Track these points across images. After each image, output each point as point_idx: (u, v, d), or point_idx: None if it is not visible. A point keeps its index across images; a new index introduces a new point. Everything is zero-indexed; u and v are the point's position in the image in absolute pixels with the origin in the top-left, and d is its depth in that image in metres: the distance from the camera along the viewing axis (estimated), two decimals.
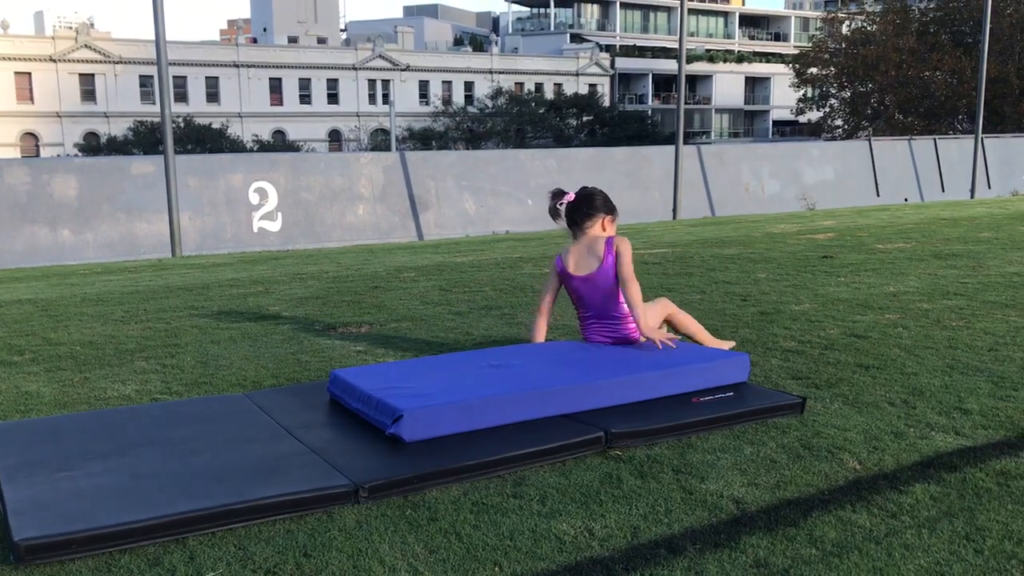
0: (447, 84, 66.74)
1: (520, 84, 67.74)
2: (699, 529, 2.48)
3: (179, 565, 2.31)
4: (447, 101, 63.60)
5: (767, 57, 79.84)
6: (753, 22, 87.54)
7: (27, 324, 5.52)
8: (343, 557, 2.34)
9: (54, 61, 54.74)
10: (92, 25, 59.44)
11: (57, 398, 3.84)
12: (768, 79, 78.63)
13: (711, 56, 76.29)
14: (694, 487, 2.76)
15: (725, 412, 3.32)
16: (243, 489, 2.62)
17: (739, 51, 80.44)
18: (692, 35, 76.58)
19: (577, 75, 71.04)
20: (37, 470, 2.80)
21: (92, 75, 56.11)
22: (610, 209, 4.18)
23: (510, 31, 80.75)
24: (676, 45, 20.62)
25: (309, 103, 62.42)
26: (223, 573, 2.27)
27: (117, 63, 56.43)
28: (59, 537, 2.33)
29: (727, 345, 4.34)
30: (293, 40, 66.79)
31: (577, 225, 4.15)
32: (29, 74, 54.33)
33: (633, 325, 3.99)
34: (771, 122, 78.61)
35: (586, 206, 4.14)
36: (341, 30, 77.44)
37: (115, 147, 49.74)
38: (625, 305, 3.99)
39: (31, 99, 54.63)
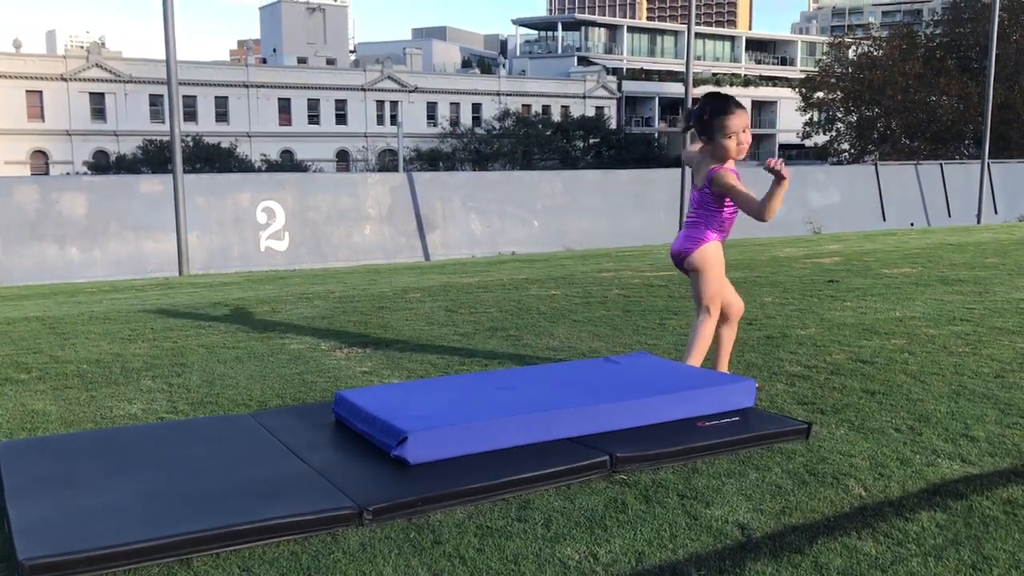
0: (455, 106, 67.09)
1: (527, 106, 68.05)
2: (704, 555, 2.47)
3: None
4: (455, 122, 63.93)
5: (773, 81, 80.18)
6: (759, 46, 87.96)
7: (34, 342, 5.54)
8: None
9: (65, 80, 55.20)
10: (103, 44, 59.99)
11: (63, 416, 3.85)
12: (774, 103, 78.88)
13: (718, 80, 76.56)
14: (699, 512, 2.75)
15: (731, 437, 3.32)
16: (248, 510, 2.62)
17: (745, 75, 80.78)
18: (699, 59, 76.95)
19: (584, 98, 71.35)
20: (43, 489, 2.80)
21: (102, 94, 56.56)
22: (711, 131, 3.97)
23: (518, 54, 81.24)
24: (683, 68, 20.72)
25: (318, 123, 62.78)
26: None
27: (127, 82, 56.88)
28: (64, 557, 2.33)
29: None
30: (302, 61, 67.27)
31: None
32: (40, 92, 54.80)
33: (690, 245, 4.09)
34: (777, 146, 78.75)
35: (696, 125, 4.08)
36: (350, 51, 78.05)
37: (124, 165, 50.05)
38: (701, 220, 4.08)
39: (41, 117, 55.05)
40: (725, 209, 4.10)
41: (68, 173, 49.28)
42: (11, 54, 54.60)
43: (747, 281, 8.03)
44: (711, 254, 4.10)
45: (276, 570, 2.39)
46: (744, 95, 77.69)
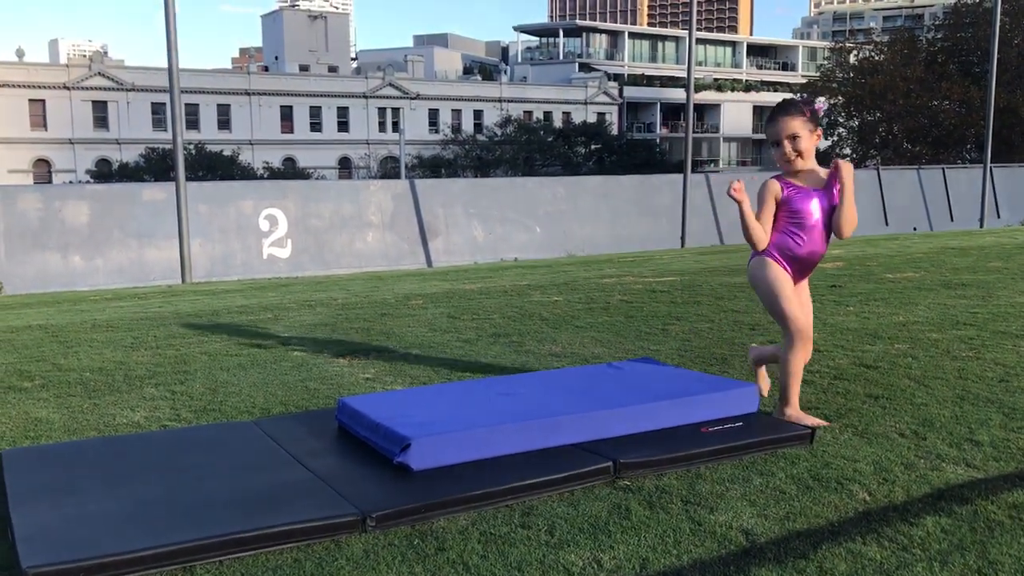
0: (456, 112, 67.16)
1: (529, 112, 68.10)
2: (708, 561, 2.46)
3: None
4: (456, 129, 63.99)
5: (775, 86, 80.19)
6: (761, 52, 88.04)
7: (37, 350, 5.54)
8: None
9: (68, 88, 55.33)
10: (106, 53, 60.21)
11: (66, 424, 3.85)
12: None
13: (719, 85, 76.67)
14: (703, 518, 2.74)
15: (734, 442, 3.31)
16: (251, 517, 2.61)
17: (747, 80, 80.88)
18: (700, 64, 77.01)
19: (586, 104, 71.42)
20: (46, 496, 2.80)
21: (105, 102, 56.68)
22: (774, 135, 3.71)
23: (519, 60, 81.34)
24: (684, 74, 20.77)
25: (320, 131, 62.87)
26: None
27: (130, 91, 57.00)
28: (67, 564, 2.32)
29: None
30: (304, 68, 67.39)
31: None
32: (43, 101, 54.92)
33: (749, 261, 3.98)
34: None
35: None
36: (352, 59, 78.18)
37: (127, 174, 50.14)
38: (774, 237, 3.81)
39: (44, 126, 55.17)
40: (791, 229, 3.72)
41: (71, 181, 49.36)
42: (14, 63, 54.76)
43: (750, 286, 8.02)
44: (757, 272, 3.85)
45: None
46: (745, 100, 77.85)
